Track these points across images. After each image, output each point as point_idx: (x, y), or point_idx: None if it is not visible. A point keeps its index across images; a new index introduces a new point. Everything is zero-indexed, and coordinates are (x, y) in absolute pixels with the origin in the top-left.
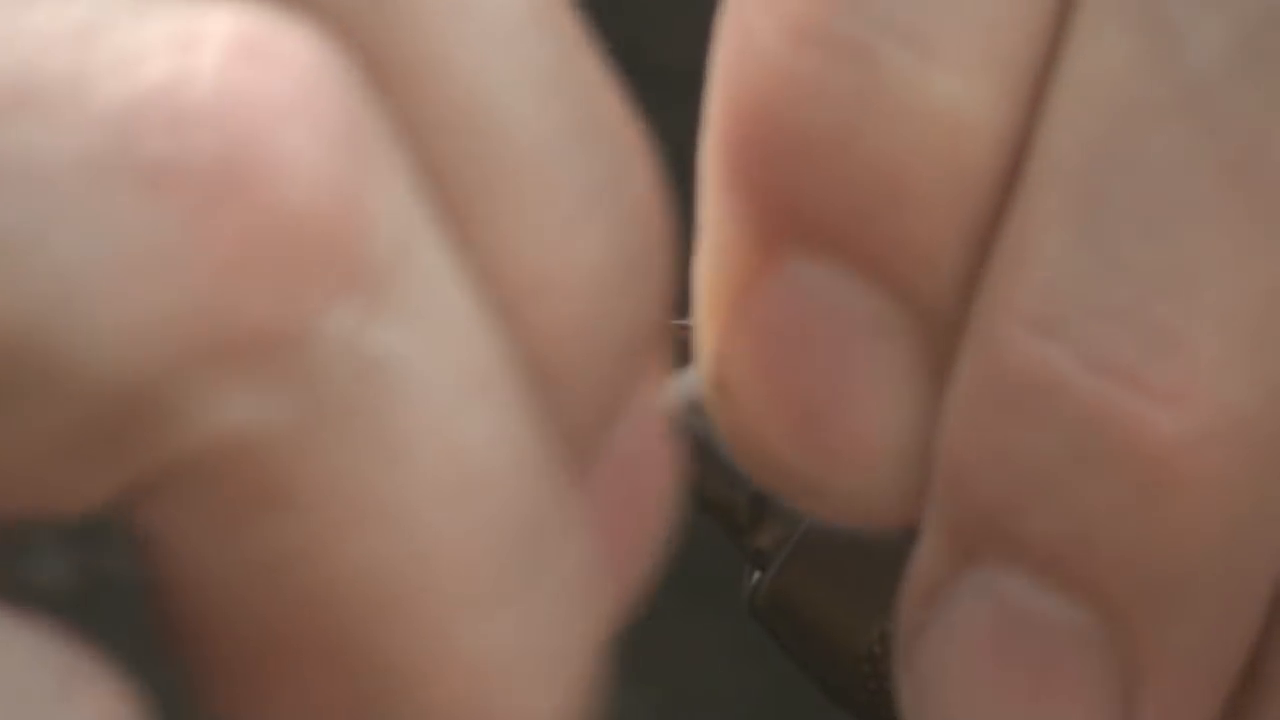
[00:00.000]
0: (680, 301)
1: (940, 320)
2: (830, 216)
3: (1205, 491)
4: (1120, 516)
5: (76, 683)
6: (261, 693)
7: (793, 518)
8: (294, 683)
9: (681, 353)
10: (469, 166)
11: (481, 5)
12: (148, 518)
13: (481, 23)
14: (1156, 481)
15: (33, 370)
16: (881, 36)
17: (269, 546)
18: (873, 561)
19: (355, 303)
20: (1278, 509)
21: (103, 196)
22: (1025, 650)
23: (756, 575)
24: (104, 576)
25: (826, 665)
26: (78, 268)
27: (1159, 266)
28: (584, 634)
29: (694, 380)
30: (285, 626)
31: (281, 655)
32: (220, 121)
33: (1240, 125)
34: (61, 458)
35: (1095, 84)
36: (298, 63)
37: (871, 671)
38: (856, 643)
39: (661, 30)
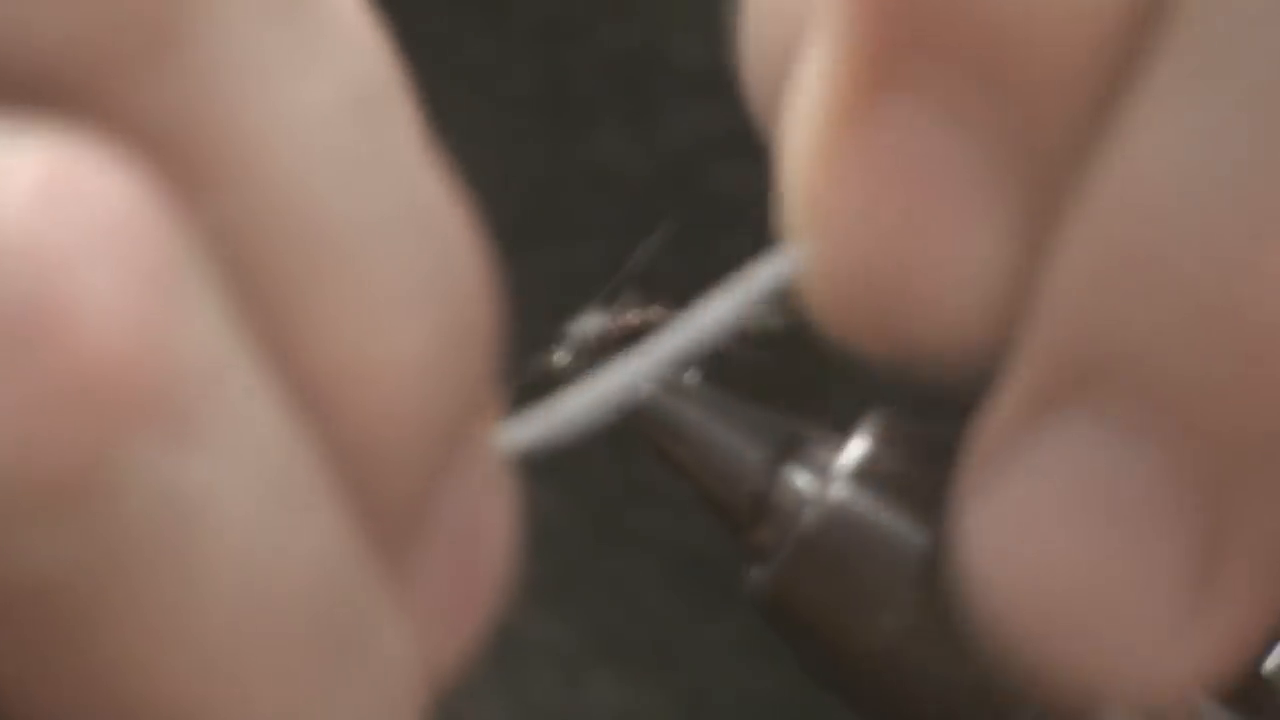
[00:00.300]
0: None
1: (1045, 178)
2: (950, 58)
3: None
4: (1229, 383)
5: None
6: None
7: (793, 517)
8: None
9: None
10: (283, 263)
11: (292, 101)
12: None
13: (292, 120)
14: (1264, 361)
15: None
16: None
17: (75, 677)
18: (873, 560)
19: (155, 441)
20: None
21: None
22: (1109, 500)
23: (756, 573)
24: None
25: (827, 662)
26: None
27: (1265, 165)
28: (402, 715)
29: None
30: None
31: None
32: (23, 263)
33: None
34: None
35: None
36: (104, 201)
37: (874, 669)
38: (857, 640)
39: (680, 32)
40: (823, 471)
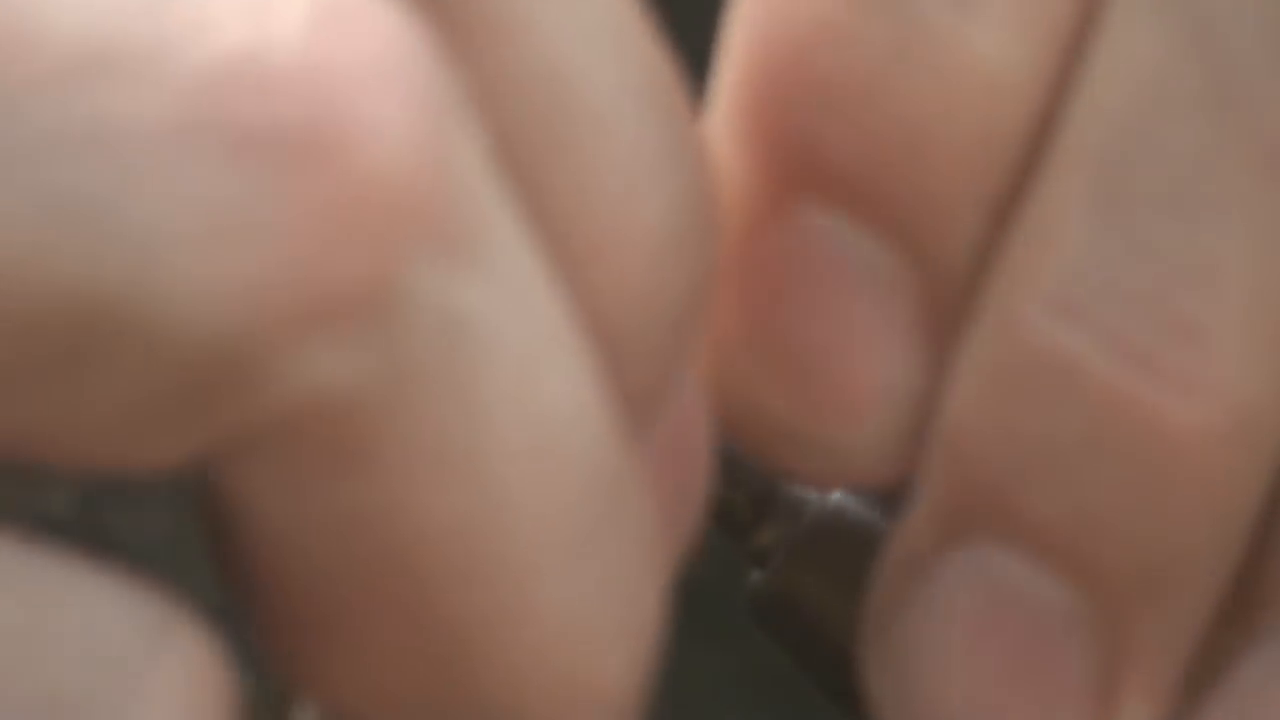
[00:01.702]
0: None
1: (947, 284)
2: (849, 166)
3: (1212, 484)
4: (1126, 502)
5: (165, 640)
6: (337, 653)
7: (793, 517)
8: (370, 642)
9: None
10: (539, 128)
11: None
12: (227, 474)
13: None
14: (1167, 470)
15: (115, 334)
16: None
17: (349, 504)
18: (874, 560)
19: (439, 263)
20: (1255, 506)
21: (185, 162)
22: (1011, 630)
23: (756, 575)
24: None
25: (827, 665)
26: (159, 233)
27: (1183, 256)
28: (651, 589)
29: None
30: (362, 584)
31: (358, 614)
32: (305, 87)
33: (1271, 121)
34: (145, 417)
35: (1129, 65)
36: (379, 28)
37: None
38: (857, 642)
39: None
40: None
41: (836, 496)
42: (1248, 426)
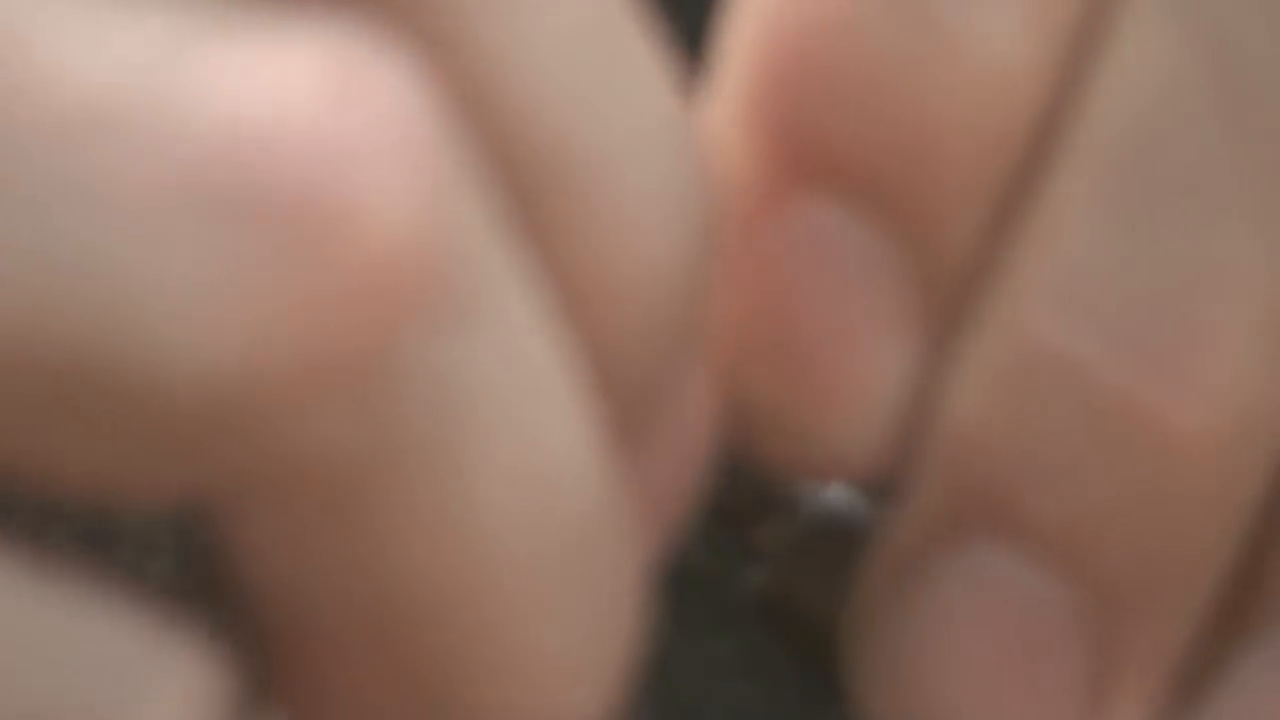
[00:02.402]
0: None
1: (948, 279)
2: (854, 158)
3: (1214, 486)
4: (1127, 503)
5: (167, 653)
6: (325, 686)
7: (792, 514)
8: (356, 679)
9: None
10: (543, 170)
11: (550, 11)
12: (223, 518)
13: (552, 30)
14: (1169, 472)
15: (101, 384)
16: None
17: (341, 556)
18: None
19: (436, 332)
20: (1256, 506)
21: (185, 224)
22: (1007, 628)
23: (757, 574)
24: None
25: (828, 664)
26: (156, 291)
27: (1191, 257)
28: (625, 631)
29: None
30: (350, 627)
31: (345, 653)
32: (309, 156)
33: None
34: (138, 457)
35: (1140, 64)
36: (385, 96)
37: None
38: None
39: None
40: None
41: (835, 494)
42: (1251, 429)
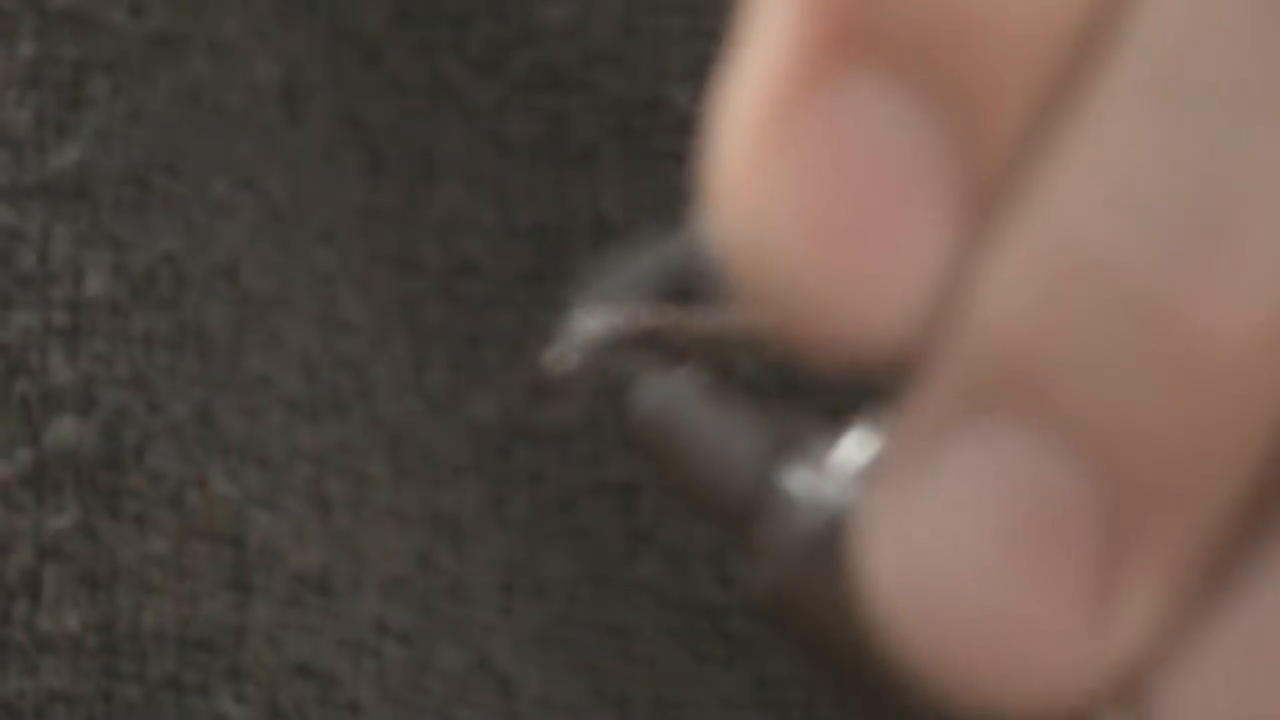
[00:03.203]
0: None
1: (989, 165)
2: (900, 36)
3: (1245, 389)
4: (1156, 400)
5: None
6: None
7: (793, 516)
8: None
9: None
10: None
11: None
12: None
13: None
14: (1199, 372)
15: None
16: None
17: None
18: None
19: None
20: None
21: None
22: (1019, 509)
23: (757, 572)
24: None
25: (831, 662)
26: None
27: (1237, 156)
28: None
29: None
30: None
31: None
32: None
33: None
34: None
35: None
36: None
37: (876, 668)
38: (858, 639)
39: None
40: (823, 469)
41: (837, 495)
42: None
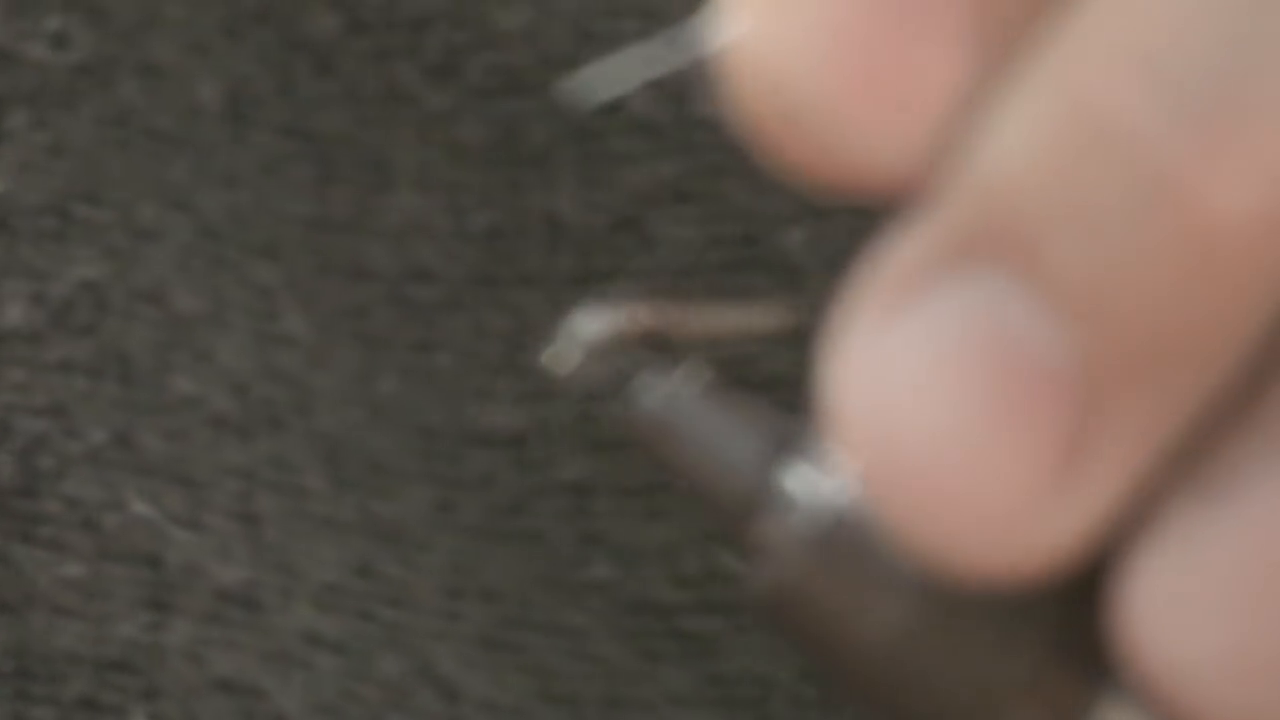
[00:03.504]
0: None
1: (1009, 5)
2: None
3: (1242, 273)
4: (1151, 271)
5: None
6: None
7: (792, 515)
8: None
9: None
10: None
11: None
12: None
13: None
14: (1199, 249)
15: None
16: None
17: None
18: (875, 557)
19: None
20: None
21: None
22: (994, 360)
23: (757, 571)
24: None
25: (831, 659)
26: None
27: (1254, 37)
28: None
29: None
30: None
31: None
32: None
33: None
34: None
35: None
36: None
37: (876, 667)
38: (858, 638)
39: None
40: (823, 468)
41: (833, 491)
42: None
